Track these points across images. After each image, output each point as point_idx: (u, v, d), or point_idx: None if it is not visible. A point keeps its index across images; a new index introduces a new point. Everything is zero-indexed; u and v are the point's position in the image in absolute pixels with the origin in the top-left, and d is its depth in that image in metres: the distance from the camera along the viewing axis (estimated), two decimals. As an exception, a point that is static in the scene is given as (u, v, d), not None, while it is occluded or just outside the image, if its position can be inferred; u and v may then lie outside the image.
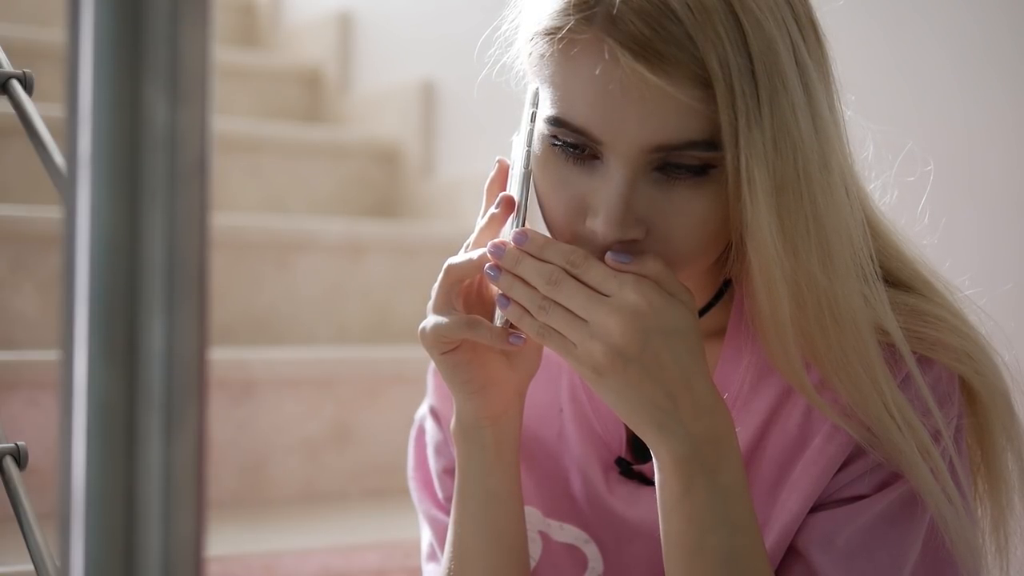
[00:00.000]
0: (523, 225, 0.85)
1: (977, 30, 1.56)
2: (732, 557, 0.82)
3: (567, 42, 0.80)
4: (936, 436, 0.85)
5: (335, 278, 2.26)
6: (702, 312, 0.92)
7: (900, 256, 0.89)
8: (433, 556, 1.03)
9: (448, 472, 1.02)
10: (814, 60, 0.82)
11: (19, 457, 1.04)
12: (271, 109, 2.95)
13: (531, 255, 0.82)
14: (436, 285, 0.88)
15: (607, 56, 0.78)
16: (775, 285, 0.80)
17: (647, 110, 0.78)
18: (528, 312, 0.83)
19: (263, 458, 1.87)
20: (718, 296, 0.92)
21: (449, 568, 0.94)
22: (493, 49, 0.91)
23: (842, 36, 0.87)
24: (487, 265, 0.84)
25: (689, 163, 0.80)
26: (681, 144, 0.79)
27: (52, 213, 1.93)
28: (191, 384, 0.43)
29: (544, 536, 0.98)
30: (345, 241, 2.27)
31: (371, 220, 2.65)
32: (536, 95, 0.85)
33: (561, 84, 0.81)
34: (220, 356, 1.86)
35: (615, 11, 0.77)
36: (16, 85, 1.09)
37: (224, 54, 2.97)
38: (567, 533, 0.98)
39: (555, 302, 0.81)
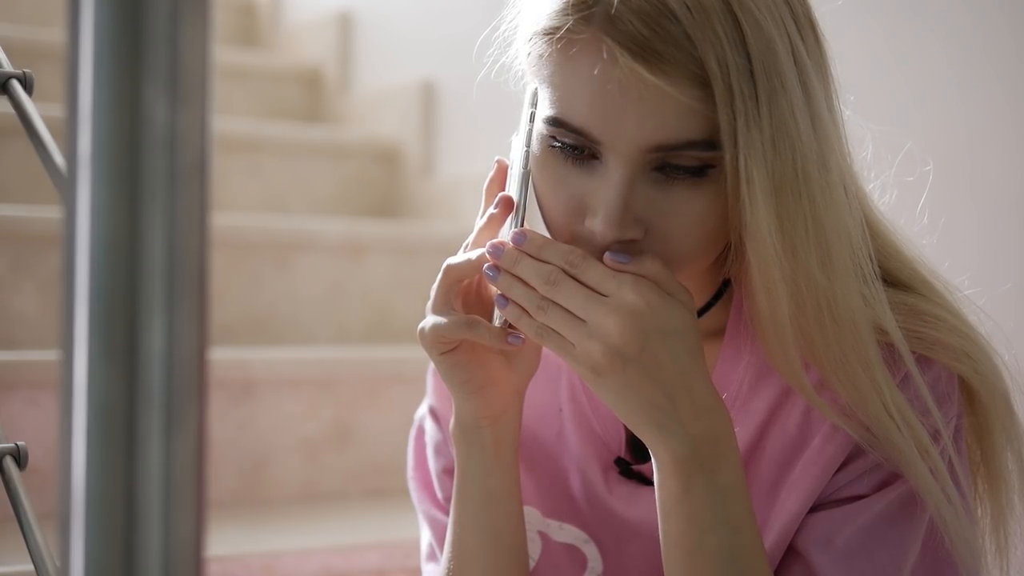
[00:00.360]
0: (522, 225, 0.85)
1: (977, 30, 1.56)
2: (731, 557, 0.82)
3: (566, 42, 0.80)
4: (935, 436, 0.85)
5: (335, 278, 2.26)
6: (701, 312, 0.92)
7: (899, 256, 0.89)
8: (433, 556, 1.03)
9: (447, 472, 1.02)
10: (813, 60, 0.82)
11: (19, 457, 1.04)
12: (271, 109, 2.95)
13: (530, 255, 0.82)
14: (435, 285, 0.88)
15: (605, 56, 0.78)
16: (774, 285, 0.80)
17: (646, 110, 0.78)
18: (527, 312, 0.83)
19: (263, 458, 1.87)
20: (717, 296, 0.92)
21: (448, 568, 0.94)
22: (492, 49, 0.91)
23: (842, 36, 0.87)
24: (486, 265, 0.84)
25: (688, 163, 0.80)
26: (680, 144, 0.79)
27: (52, 213, 1.93)
28: (191, 384, 0.43)
29: (543, 536, 0.98)
30: (345, 241, 2.27)
31: (371, 220, 2.65)
32: (535, 95, 0.85)
33: (560, 84, 0.81)
34: (220, 356, 1.86)
35: (613, 11, 0.77)
36: (16, 85, 1.09)
37: (224, 54, 2.97)
38: (566, 533, 0.98)
39: (554, 302, 0.81)
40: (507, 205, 0.87)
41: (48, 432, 1.67)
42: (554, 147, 0.83)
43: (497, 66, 0.91)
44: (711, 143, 0.79)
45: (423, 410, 1.07)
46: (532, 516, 0.98)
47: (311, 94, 3.05)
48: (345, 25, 3.03)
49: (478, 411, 0.89)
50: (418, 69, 2.74)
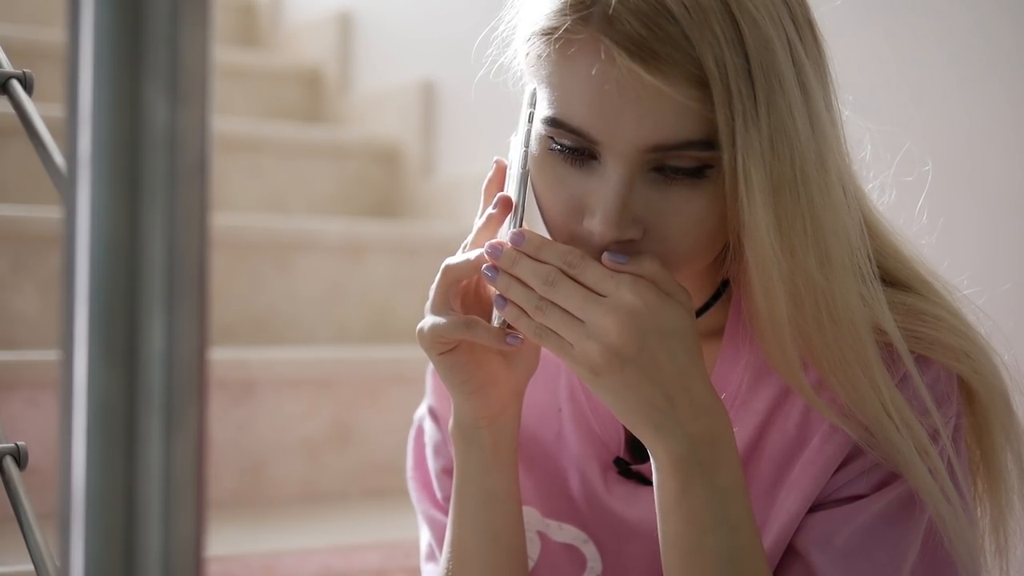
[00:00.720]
0: (520, 225, 0.85)
1: (977, 30, 1.56)
2: (730, 557, 0.82)
3: (564, 42, 0.80)
4: (934, 436, 0.85)
5: (335, 278, 2.26)
6: (700, 312, 0.92)
7: (899, 256, 0.89)
8: (432, 556, 1.03)
9: (447, 472, 1.02)
10: (811, 60, 0.82)
11: (19, 457, 1.04)
12: (271, 109, 2.95)
13: (528, 256, 0.82)
14: (434, 286, 0.88)
15: (603, 56, 0.78)
16: (772, 285, 0.80)
17: (644, 110, 0.78)
18: (525, 312, 0.83)
19: (263, 458, 1.87)
20: (716, 296, 0.92)
21: (447, 568, 0.94)
22: (491, 49, 0.91)
23: (841, 36, 0.87)
24: (484, 266, 0.84)
25: (686, 164, 0.80)
26: (678, 144, 0.79)
27: (52, 213, 1.93)
28: (191, 384, 0.43)
29: (543, 536, 0.98)
30: (345, 241, 2.27)
31: (371, 220, 2.65)
32: (533, 95, 0.85)
33: (558, 84, 0.81)
34: (220, 356, 1.86)
35: (611, 11, 0.77)
36: (16, 85, 1.09)
37: (224, 54, 2.97)
38: (566, 533, 0.98)
39: (552, 303, 0.81)
40: (506, 205, 0.87)
41: (48, 432, 1.67)
42: (553, 147, 0.83)
43: (496, 67, 0.91)
44: (709, 143, 0.79)
45: (422, 410, 1.07)
46: (531, 516, 0.98)
47: (311, 94, 3.05)
48: (345, 25, 3.03)
49: (477, 411, 0.89)
50: (418, 69, 2.74)
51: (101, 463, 0.42)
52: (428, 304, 0.88)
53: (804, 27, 0.82)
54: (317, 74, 3.05)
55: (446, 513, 1.00)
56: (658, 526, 0.84)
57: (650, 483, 0.92)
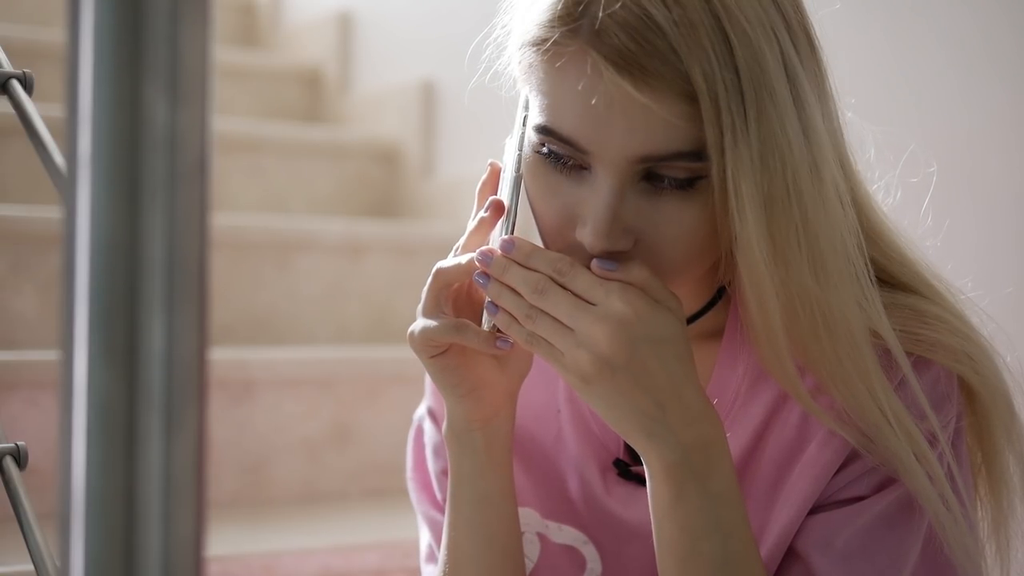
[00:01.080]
0: (512, 229, 0.85)
1: (977, 31, 1.56)
2: (725, 563, 0.81)
3: (553, 54, 0.80)
4: (933, 440, 0.85)
5: (335, 278, 2.26)
6: (698, 315, 0.92)
7: (902, 259, 0.89)
8: (432, 557, 1.03)
9: (446, 473, 1.01)
10: (807, 69, 0.81)
11: (19, 457, 1.04)
12: (271, 109, 2.95)
13: (518, 263, 0.82)
14: (425, 288, 0.87)
15: (590, 70, 0.77)
16: (766, 297, 0.80)
17: (632, 122, 0.77)
18: (516, 319, 0.82)
19: (263, 458, 1.87)
20: (714, 300, 0.92)
21: (444, 571, 0.94)
22: (488, 51, 0.91)
23: (841, 38, 0.87)
24: (476, 272, 0.84)
25: (676, 174, 0.79)
26: (668, 155, 0.78)
27: (52, 213, 1.93)
28: (191, 384, 0.43)
29: (542, 537, 0.98)
30: (345, 241, 2.27)
31: (371, 220, 2.65)
32: (527, 100, 0.85)
33: (548, 94, 0.81)
34: (220, 356, 1.86)
35: (599, 24, 0.76)
36: (16, 85, 1.09)
37: (224, 54, 2.97)
38: (565, 534, 0.98)
39: (542, 311, 0.81)
40: (498, 209, 0.87)
41: (48, 432, 1.67)
42: (544, 155, 0.82)
43: (490, 73, 0.91)
44: (699, 154, 0.78)
45: (422, 410, 1.06)
46: (531, 517, 0.98)
47: (311, 94, 3.05)
48: (345, 25, 3.03)
49: (469, 414, 0.89)
50: (418, 69, 2.74)
51: (101, 463, 0.42)
52: (419, 307, 0.88)
53: (799, 35, 0.81)
54: (317, 74, 3.05)
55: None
56: (653, 532, 0.84)
57: (650, 484, 0.92)
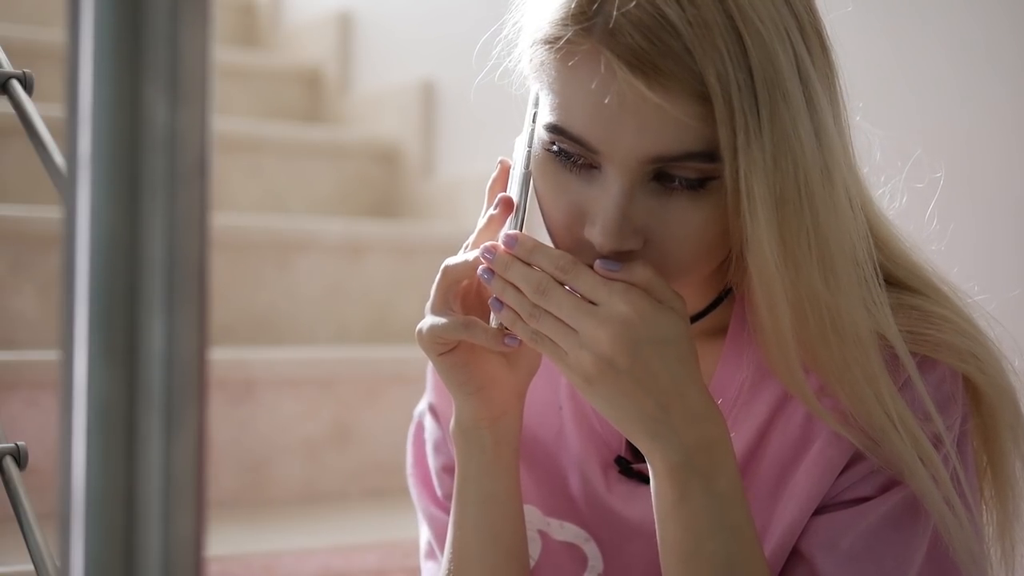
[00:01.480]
0: (521, 227, 0.85)
1: (979, 34, 1.56)
2: (729, 563, 0.81)
3: (565, 52, 0.79)
4: (937, 442, 0.84)
5: (335, 278, 2.26)
6: (703, 314, 0.92)
7: (908, 263, 0.89)
8: (432, 554, 1.03)
9: (447, 470, 1.02)
10: (819, 71, 0.81)
11: (19, 457, 1.04)
12: (271, 109, 2.95)
13: (520, 259, 0.82)
14: (434, 286, 0.87)
15: (604, 69, 0.77)
16: (776, 299, 0.80)
17: (644, 122, 0.77)
18: (521, 317, 0.82)
19: (263, 458, 1.87)
20: (719, 299, 0.92)
21: (448, 570, 0.94)
22: (496, 49, 0.91)
23: (843, 41, 0.86)
24: (481, 268, 0.84)
25: (687, 174, 0.79)
26: (679, 155, 0.78)
27: (52, 213, 1.93)
28: (191, 384, 0.43)
29: (544, 535, 0.98)
30: (345, 241, 2.27)
31: (371, 220, 2.65)
32: (538, 96, 0.85)
33: (560, 92, 0.81)
34: (220, 356, 1.86)
35: (613, 23, 0.76)
36: (16, 85, 1.09)
37: (224, 54, 2.97)
38: (567, 532, 0.98)
39: (545, 310, 0.81)
40: (507, 206, 0.87)
41: (48, 432, 1.67)
42: (554, 153, 0.82)
43: (500, 70, 0.91)
44: (711, 155, 0.78)
45: (422, 406, 1.06)
46: (532, 515, 0.98)
47: (311, 94, 3.05)
48: (345, 25, 3.03)
49: (477, 412, 0.89)
50: (418, 69, 2.74)
51: (101, 463, 0.42)
52: (428, 304, 0.88)
53: (812, 38, 0.81)
54: (317, 74, 3.05)
55: (446, 511, 1.00)
56: (657, 532, 0.84)
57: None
